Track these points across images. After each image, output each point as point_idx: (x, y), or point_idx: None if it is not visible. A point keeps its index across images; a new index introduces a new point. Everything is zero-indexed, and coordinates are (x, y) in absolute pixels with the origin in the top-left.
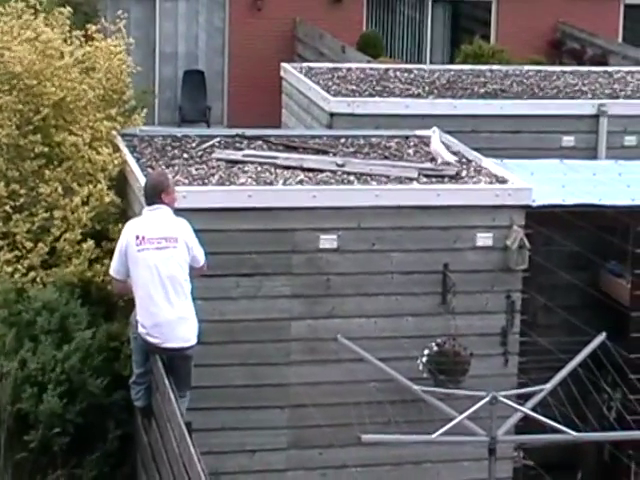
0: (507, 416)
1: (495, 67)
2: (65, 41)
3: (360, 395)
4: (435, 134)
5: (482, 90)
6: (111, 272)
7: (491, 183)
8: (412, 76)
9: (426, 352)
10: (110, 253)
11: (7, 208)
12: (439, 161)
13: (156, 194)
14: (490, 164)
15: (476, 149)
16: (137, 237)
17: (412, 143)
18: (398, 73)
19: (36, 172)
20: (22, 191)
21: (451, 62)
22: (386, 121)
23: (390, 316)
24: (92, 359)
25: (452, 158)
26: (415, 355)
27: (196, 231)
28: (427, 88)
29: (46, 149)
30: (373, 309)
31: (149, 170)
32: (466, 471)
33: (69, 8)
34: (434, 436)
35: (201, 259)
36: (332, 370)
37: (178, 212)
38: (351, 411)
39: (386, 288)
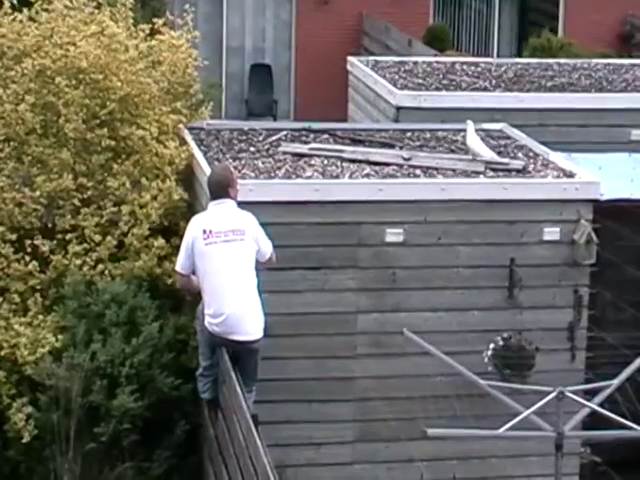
0: (574, 412)
1: (563, 60)
2: (130, 35)
3: (426, 389)
4: (470, 127)
5: (550, 84)
6: (177, 268)
7: (558, 177)
8: (479, 69)
9: (492, 346)
10: (178, 249)
11: (75, 201)
12: (474, 157)
13: (223, 188)
14: (557, 158)
15: (543, 143)
16: (204, 231)
17: (479, 137)
18: (465, 66)
19: (103, 166)
20: (90, 184)
21: (518, 55)
22: (452, 115)
23: (456, 310)
24: (160, 354)
25: (489, 153)
26: (481, 349)
27: (262, 224)
28: (494, 81)
29: (113, 143)
30: (439, 303)
31: (215, 163)
32: (532, 467)
33: (132, 0)
34: (500, 431)
35: (268, 252)
36: (398, 364)
37: (245, 205)
38: (417, 405)
39: (452, 282)
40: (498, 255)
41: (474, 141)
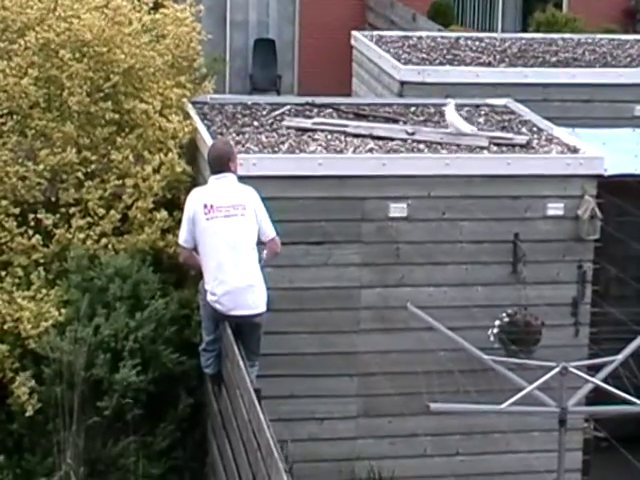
0: (578, 387)
1: (567, 35)
2: (134, 8)
3: (430, 364)
4: (450, 105)
5: (554, 59)
6: (180, 241)
7: (562, 152)
8: (483, 44)
9: (497, 322)
10: (181, 222)
11: (79, 175)
12: (453, 131)
13: (224, 163)
14: (561, 133)
15: (547, 118)
16: (205, 206)
17: (482, 112)
18: (469, 41)
19: (107, 139)
20: (93, 158)
21: (523, 31)
22: (457, 89)
23: (460, 285)
24: (164, 329)
25: (468, 128)
26: (485, 325)
27: (266, 199)
28: (498, 57)
29: (117, 116)
30: (443, 278)
31: (218, 137)
32: (536, 442)
33: None
34: (504, 406)
35: (269, 231)
36: (401, 339)
37: (248, 180)
38: (420, 380)
39: (456, 257)
40: (502, 230)
41: (453, 117)
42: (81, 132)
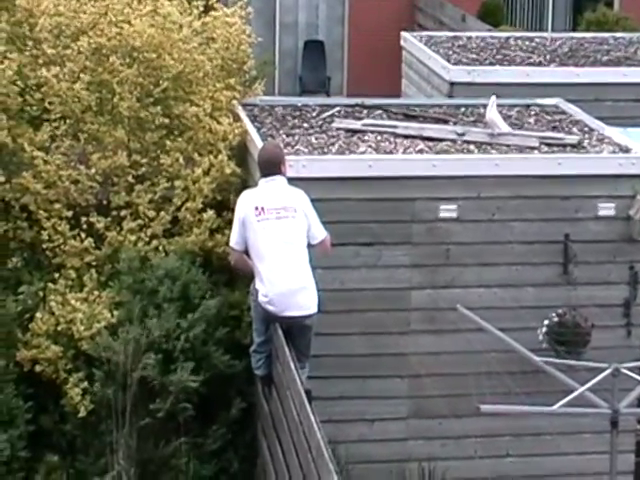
0: (630, 389)
1: (619, 34)
2: (184, 11)
3: (479, 365)
4: (491, 102)
5: (605, 58)
6: (231, 244)
7: (614, 152)
8: (533, 44)
9: (546, 323)
10: (231, 223)
11: (130, 179)
12: (495, 131)
13: (274, 165)
14: (613, 133)
15: (599, 118)
16: (256, 208)
17: (533, 112)
18: (519, 41)
19: (157, 143)
20: (143, 161)
21: (573, 30)
22: (506, 90)
23: (510, 286)
24: (215, 329)
25: (507, 128)
26: (535, 326)
27: (315, 200)
28: (549, 56)
29: (167, 120)
30: (493, 279)
31: (269, 139)
32: (587, 444)
33: None
34: (555, 407)
35: (318, 234)
36: (451, 340)
37: (298, 181)
38: (470, 381)
39: (506, 258)
40: (552, 231)
41: (494, 115)
42: (132, 136)
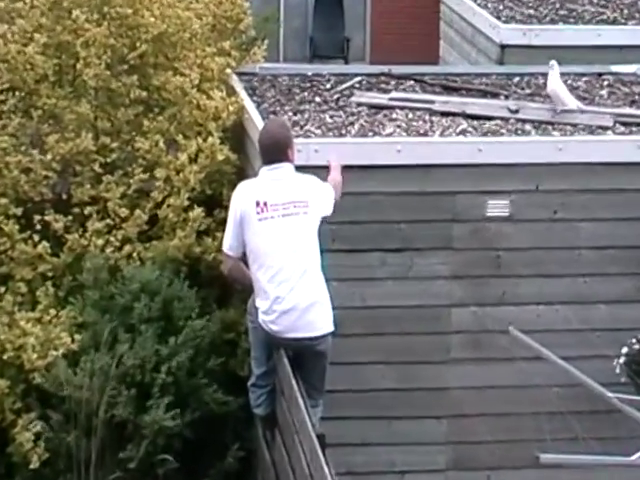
0: None
1: None
2: None
3: (538, 403)
4: (554, 70)
5: None
6: (224, 249)
7: None
8: None
9: (625, 350)
10: (224, 224)
11: (96, 167)
12: (558, 107)
13: (279, 150)
14: None
15: None
16: (257, 204)
17: (606, 83)
18: None
19: (132, 122)
20: (114, 145)
21: None
22: (572, 54)
23: (577, 303)
24: (204, 358)
25: (576, 103)
26: (609, 353)
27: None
28: (626, 11)
29: (144, 94)
30: (555, 294)
31: (270, 118)
32: None
33: None
34: (634, 457)
35: (330, 206)
36: (503, 371)
37: (308, 170)
38: (527, 423)
39: (572, 267)
40: (631, 233)
41: (558, 86)
42: (100, 113)
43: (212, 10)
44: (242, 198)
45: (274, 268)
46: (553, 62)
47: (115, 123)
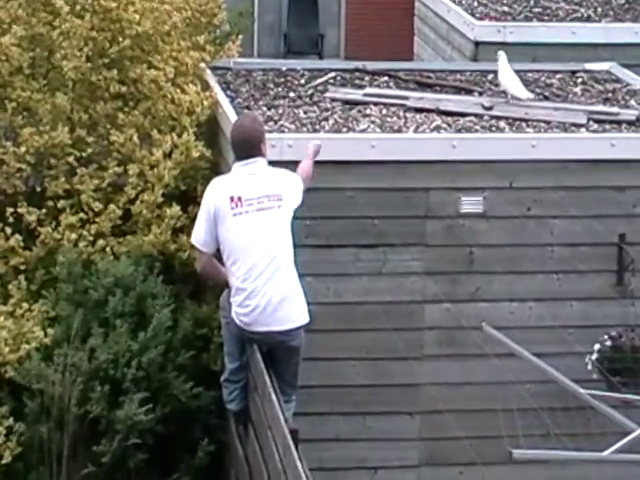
0: None
1: None
2: None
3: (511, 400)
4: (502, 59)
5: None
6: (198, 244)
7: None
8: None
9: (597, 347)
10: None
11: (71, 160)
12: (508, 96)
13: (253, 145)
14: None
15: None
16: (232, 199)
17: (580, 80)
18: None
19: (109, 116)
20: (90, 139)
21: None
22: (547, 52)
23: (550, 300)
24: (176, 353)
25: (527, 94)
26: (581, 350)
27: (304, 190)
28: (600, 9)
29: (123, 88)
30: (528, 291)
31: (245, 112)
32: None
33: None
34: (606, 453)
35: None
36: (476, 367)
37: (282, 166)
38: (499, 420)
39: (545, 265)
40: (604, 230)
41: (508, 76)
42: (76, 106)
43: (189, 3)
44: (216, 194)
45: (249, 263)
46: (500, 52)
47: (93, 116)
